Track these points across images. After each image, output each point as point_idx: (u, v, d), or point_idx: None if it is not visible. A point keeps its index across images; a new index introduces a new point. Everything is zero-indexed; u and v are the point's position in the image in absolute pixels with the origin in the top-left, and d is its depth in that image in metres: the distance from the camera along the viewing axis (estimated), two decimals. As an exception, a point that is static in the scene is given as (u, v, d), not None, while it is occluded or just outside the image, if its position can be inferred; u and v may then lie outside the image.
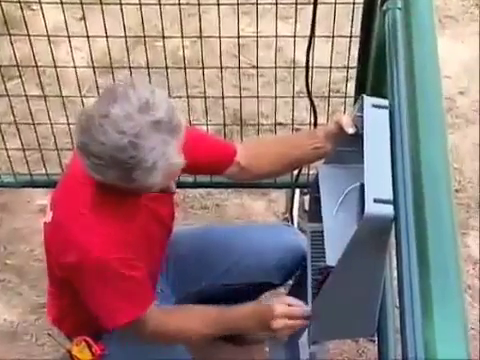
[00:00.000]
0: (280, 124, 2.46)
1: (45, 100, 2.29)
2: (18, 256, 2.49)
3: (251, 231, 2.03)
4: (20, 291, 2.42)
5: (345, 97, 2.27)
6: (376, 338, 1.73)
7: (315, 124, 2.18)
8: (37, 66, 2.20)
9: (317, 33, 1.94)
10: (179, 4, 1.99)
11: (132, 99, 1.43)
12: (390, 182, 1.36)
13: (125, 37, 2.09)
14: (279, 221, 2.55)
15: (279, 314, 1.67)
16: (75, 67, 2.19)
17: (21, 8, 2.07)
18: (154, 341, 1.72)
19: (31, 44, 2.12)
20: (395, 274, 1.26)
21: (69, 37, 2.10)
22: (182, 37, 2.09)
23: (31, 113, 2.31)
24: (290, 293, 2.06)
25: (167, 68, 2.16)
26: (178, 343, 1.82)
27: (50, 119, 2.31)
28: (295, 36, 2.04)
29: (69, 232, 1.59)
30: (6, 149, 2.40)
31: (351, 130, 1.64)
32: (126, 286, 1.60)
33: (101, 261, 1.55)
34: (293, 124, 2.35)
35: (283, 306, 1.67)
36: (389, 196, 1.34)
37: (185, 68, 2.17)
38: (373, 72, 1.95)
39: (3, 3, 2.04)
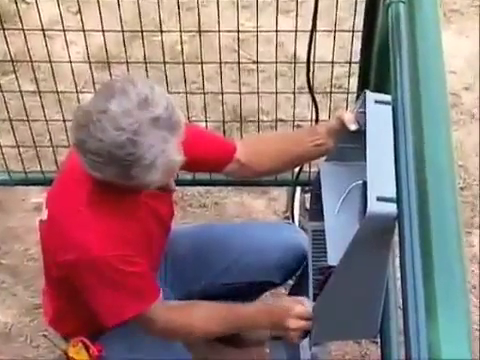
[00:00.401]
0: (281, 120, 2.46)
1: (40, 96, 2.29)
2: (12, 256, 2.49)
3: (251, 229, 2.04)
4: (14, 292, 2.42)
5: (347, 93, 2.27)
6: (379, 339, 1.73)
7: (317, 120, 2.18)
8: (32, 61, 2.20)
9: (319, 27, 1.94)
10: (177, -3, 1.99)
11: (131, 95, 1.43)
12: (393, 180, 1.36)
13: (122, 31, 2.09)
14: (279, 220, 2.55)
15: (297, 314, 1.67)
16: (71, 62, 2.19)
17: (15, 1, 2.07)
18: (164, 337, 1.73)
19: (25, 38, 2.12)
20: (398, 274, 1.26)
21: (64, 31, 2.10)
22: (180, 31, 2.09)
23: (25, 109, 2.31)
24: (290, 293, 2.07)
25: (165, 63, 2.16)
26: (188, 339, 1.82)
27: (45, 115, 2.31)
28: (296, 31, 2.03)
29: (66, 230, 1.60)
30: (0, 146, 2.40)
31: (353, 126, 1.64)
32: (127, 282, 1.61)
33: (99, 259, 1.56)
34: (294, 121, 2.35)
35: (301, 306, 1.68)
36: (392, 194, 1.34)
37: (183, 63, 2.17)
38: (376, 67, 1.95)
39: (-3, -3, 2.05)
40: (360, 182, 1.56)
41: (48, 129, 2.36)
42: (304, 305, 1.69)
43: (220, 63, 2.17)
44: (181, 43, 2.14)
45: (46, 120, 2.33)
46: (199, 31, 2.08)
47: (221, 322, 1.71)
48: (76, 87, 2.26)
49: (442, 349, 1.00)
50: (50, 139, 2.39)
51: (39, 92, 2.29)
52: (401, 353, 1.56)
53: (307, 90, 2.09)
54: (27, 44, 2.13)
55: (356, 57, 2.11)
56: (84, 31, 2.09)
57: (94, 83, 2.21)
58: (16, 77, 2.28)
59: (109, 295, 1.62)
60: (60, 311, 1.83)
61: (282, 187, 2.56)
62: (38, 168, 2.41)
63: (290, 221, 2.45)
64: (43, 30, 2.09)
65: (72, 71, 2.21)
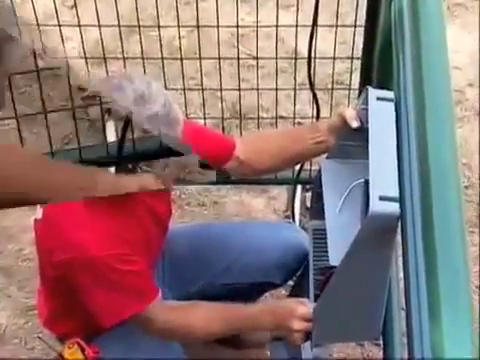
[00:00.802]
0: (281, 117, 2.46)
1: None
2: (6, 256, 2.50)
3: (250, 228, 2.05)
4: (8, 293, 2.43)
5: (349, 89, 2.27)
6: (381, 341, 1.74)
7: (318, 117, 2.19)
8: (26, 57, 2.20)
9: (320, 22, 1.94)
10: (175, -9, 1.99)
11: (127, 91, 1.44)
12: (396, 178, 1.36)
13: (119, 26, 2.09)
14: (279, 219, 2.56)
15: (300, 315, 1.67)
16: (66, 58, 2.19)
17: (9, -5, 2.08)
18: (163, 337, 1.74)
19: (20, 33, 2.11)
20: (401, 274, 1.27)
21: (60, 26, 2.10)
22: (178, 26, 2.09)
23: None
24: (291, 294, 2.07)
25: (163, 59, 2.17)
26: (187, 340, 1.83)
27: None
28: (297, 25, 2.04)
29: (62, 229, 1.60)
30: (-6, 143, 2.40)
31: (355, 124, 1.64)
32: (125, 281, 1.62)
33: (96, 258, 1.57)
34: (295, 118, 2.36)
35: (304, 307, 1.68)
36: (395, 193, 1.34)
37: (181, 59, 2.18)
38: (378, 63, 1.95)
39: (-10, -10, 2.05)
40: (362, 180, 1.57)
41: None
42: (307, 306, 1.69)
43: (219, 59, 2.18)
44: (179, 38, 2.14)
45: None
46: (197, 26, 2.09)
47: (222, 323, 1.72)
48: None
49: (445, 350, 1.01)
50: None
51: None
52: (404, 355, 1.56)
53: (308, 86, 2.09)
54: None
55: (358, 53, 2.12)
56: (80, 26, 2.09)
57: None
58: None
59: (107, 294, 1.62)
60: (55, 311, 1.84)
61: (282, 186, 2.57)
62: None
63: (290, 220, 2.45)
64: (38, 25, 2.09)
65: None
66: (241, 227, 2.09)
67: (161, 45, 2.14)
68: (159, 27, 2.11)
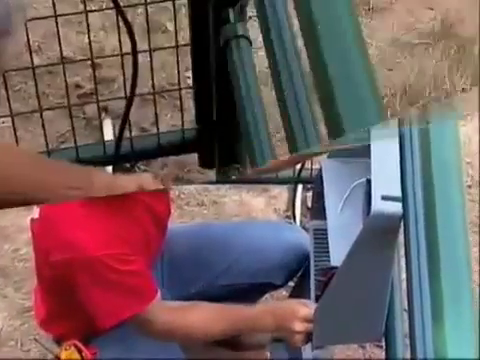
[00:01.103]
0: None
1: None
2: (2, 256, 2.50)
3: (251, 228, 2.05)
4: (4, 293, 2.43)
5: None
6: (383, 343, 1.74)
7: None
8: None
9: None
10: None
11: None
12: (398, 178, 1.37)
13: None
14: (280, 219, 2.56)
15: (302, 316, 1.67)
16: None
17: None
18: (162, 339, 1.74)
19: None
20: (403, 275, 1.27)
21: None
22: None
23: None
24: (291, 294, 2.08)
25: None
26: (187, 341, 1.83)
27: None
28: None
29: (60, 228, 1.61)
30: (-11, 142, 2.40)
31: (357, 122, 1.64)
32: (124, 281, 1.62)
33: (95, 258, 1.57)
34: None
35: (306, 308, 1.68)
36: (397, 193, 1.34)
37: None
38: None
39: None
40: (364, 180, 1.57)
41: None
42: (308, 307, 1.69)
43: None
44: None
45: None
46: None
47: (222, 323, 1.72)
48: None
49: (448, 351, 1.01)
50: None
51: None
52: (406, 356, 1.57)
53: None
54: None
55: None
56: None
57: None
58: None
59: (105, 295, 1.63)
60: (53, 311, 1.84)
61: (282, 185, 2.57)
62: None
63: (291, 220, 2.46)
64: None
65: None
66: (241, 227, 2.09)
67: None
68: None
